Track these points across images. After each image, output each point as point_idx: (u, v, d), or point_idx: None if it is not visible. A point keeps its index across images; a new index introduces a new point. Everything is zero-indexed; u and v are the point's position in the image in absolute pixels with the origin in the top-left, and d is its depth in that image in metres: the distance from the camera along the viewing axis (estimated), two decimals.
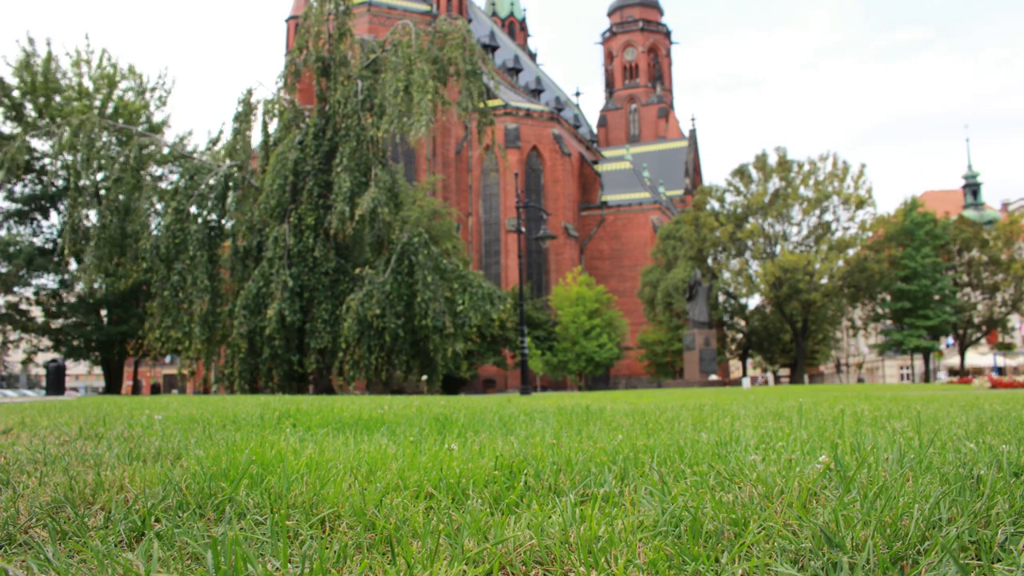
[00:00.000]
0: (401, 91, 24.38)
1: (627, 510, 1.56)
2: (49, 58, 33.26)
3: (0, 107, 32.82)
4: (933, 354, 48.37)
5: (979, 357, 55.31)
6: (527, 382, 22.47)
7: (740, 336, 54.70)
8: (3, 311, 34.77)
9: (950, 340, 51.63)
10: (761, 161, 47.48)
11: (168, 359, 63.92)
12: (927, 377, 48.67)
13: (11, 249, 33.00)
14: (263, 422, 4.44)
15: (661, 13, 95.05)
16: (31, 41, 32.99)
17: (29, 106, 33.32)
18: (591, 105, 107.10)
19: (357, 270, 25.46)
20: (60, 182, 33.67)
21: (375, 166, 25.81)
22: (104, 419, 4.74)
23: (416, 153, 55.41)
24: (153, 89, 36.01)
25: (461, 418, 4.67)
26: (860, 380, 69.23)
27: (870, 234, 46.34)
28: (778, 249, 46.96)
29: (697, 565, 1.16)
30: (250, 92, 27.74)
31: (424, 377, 25.91)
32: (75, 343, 35.12)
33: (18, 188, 34.14)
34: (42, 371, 40.22)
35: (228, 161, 27.29)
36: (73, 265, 32.59)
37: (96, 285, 28.97)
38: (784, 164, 46.87)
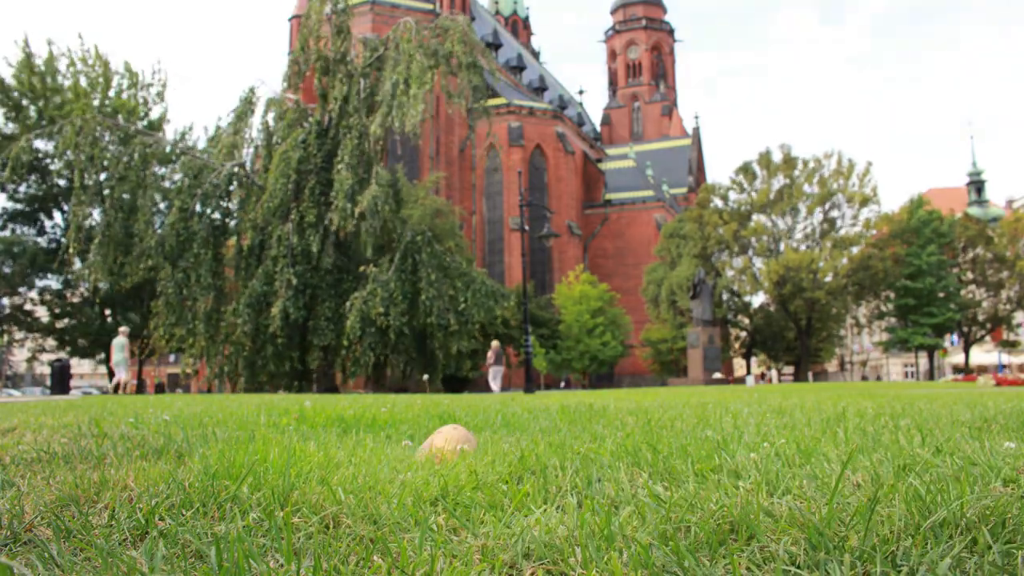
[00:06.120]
0: (400, 84, 24.42)
1: (628, 508, 1.56)
2: (51, 58, 33.35)
3: (1, 107, 32.91)
4: (937, 352, 48.23)
5: (984, 355, 55.15)
6: (531, 380, 22.44)
7: (744, 334, 54.64)
8: (8, 312, 34.89)
9: (955, 338, 51.51)
10: (765, 159, 47.37)
11: (172, 358, 64.07)
12: (931, 375, 48.55)
13: (15, 249, 33.12)
14: (267, 421, 4.45)
15: (664, 11, 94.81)
16: (27, 43, 33.04)
17: (30, 107, 33.41)
18: (594, 103, 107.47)
19: (361, 268, 25.48)
20: (63, 182, 33.75)
21: (376, 163, 25.83)
22: (108, 418, 4.75)
23: (419, 151, 55.42)
24: (150, 85, 36.10)
25: (464, 417, 4.68)
26: (864, 378, 69.11)
27: (875, 232, 46.23)
28: (782, 247, 46.86)
29: (697, 563, 1.16)
30: (253, 91, 27.79)
31: (426, 376, 25.95)
32: (79, 342, 35.25)
33: (22, 188, 34.26)
34: (47, 370, 40.33)
35: (231, 160, 27.33)
36: (77, 264, 32.67)
37: (101, 284, 29.07)
38: (789, 161, 46.77)
